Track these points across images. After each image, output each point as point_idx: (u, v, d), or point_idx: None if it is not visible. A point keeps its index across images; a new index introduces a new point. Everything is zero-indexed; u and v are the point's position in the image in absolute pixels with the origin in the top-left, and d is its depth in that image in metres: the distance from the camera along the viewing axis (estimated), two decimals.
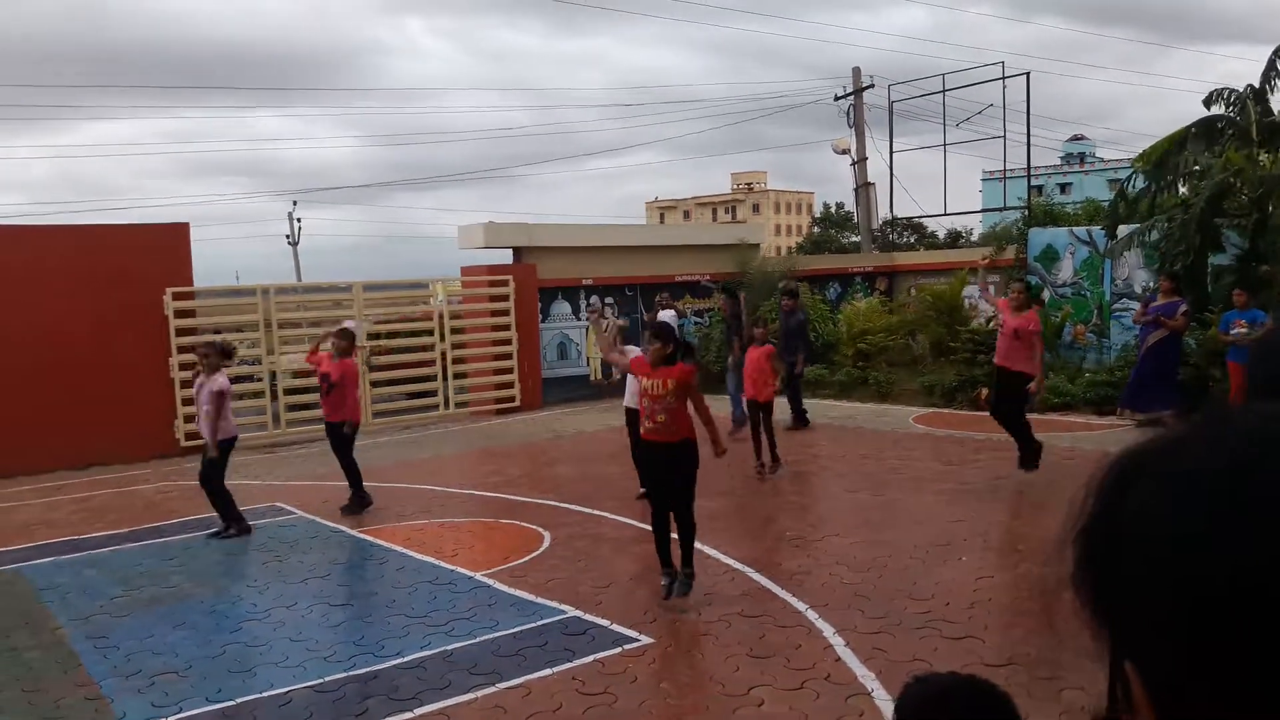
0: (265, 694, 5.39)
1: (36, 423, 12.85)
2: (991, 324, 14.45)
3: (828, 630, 5.94)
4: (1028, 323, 9.40)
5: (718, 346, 16.91)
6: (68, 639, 6.48)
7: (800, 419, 13.58)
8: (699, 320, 19.30)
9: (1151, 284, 14.38)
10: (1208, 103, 14.19)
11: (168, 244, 14.20)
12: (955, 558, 7.30)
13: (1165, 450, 0.76)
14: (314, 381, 10.80)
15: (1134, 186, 15.13)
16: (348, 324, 10.53)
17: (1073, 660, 5.30)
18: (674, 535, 6.65)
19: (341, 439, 9.69)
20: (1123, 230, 14.87)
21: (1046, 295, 16.85)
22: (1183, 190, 14.60)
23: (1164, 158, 13.94)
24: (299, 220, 50.69)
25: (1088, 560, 0.78)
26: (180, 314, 13.85)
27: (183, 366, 12.00)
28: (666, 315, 17.29)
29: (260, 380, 15.03)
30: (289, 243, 50.44)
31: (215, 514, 9.10)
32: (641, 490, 9.69)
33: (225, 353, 9.29)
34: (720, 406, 13.44)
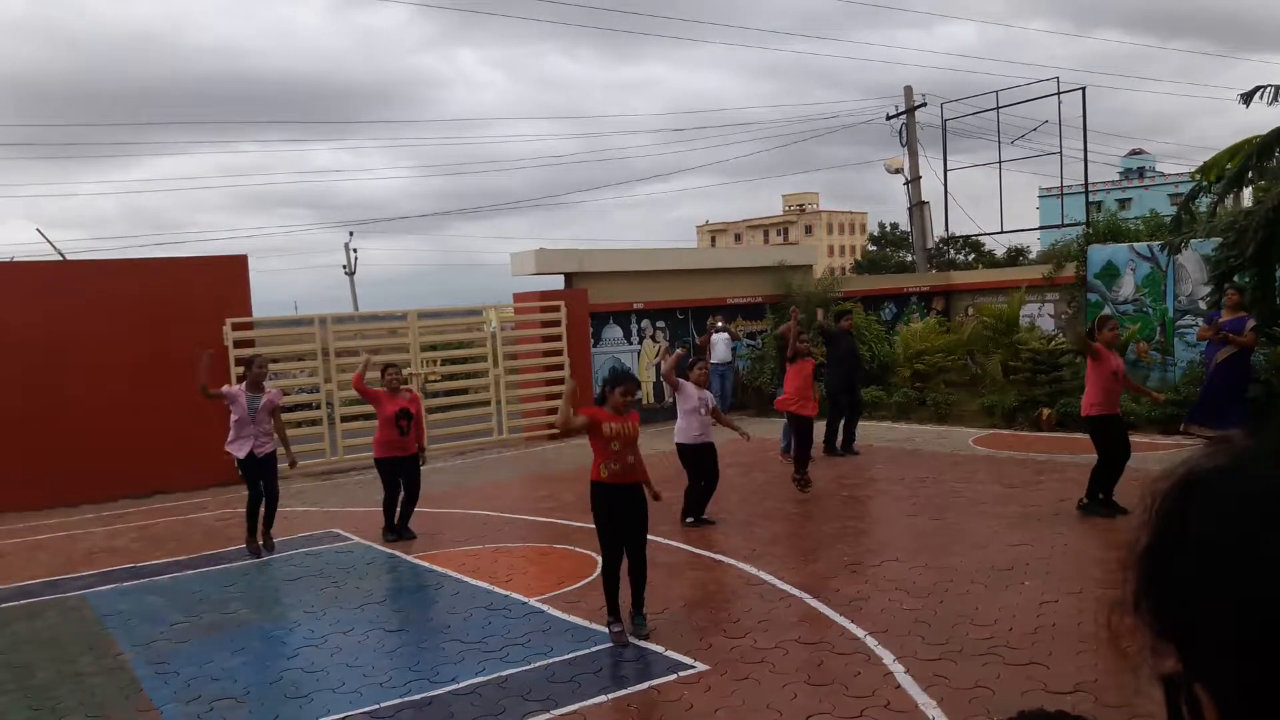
0: None
1: (101, 452, 13.13)
2: (1069, 358, 14.09)
3: (887, 657, 5.82)
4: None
5: (772, 369, 16.76)
6: (130, 664, 6.56)
7: (848, 446, 13.36)
8: (751, 342, 19.21)
9: (1204, 297, 14.01)
10: (1247, 99, 13.71)
11: (227, 276, 14.47)
12: (1018, 583, 7.14)
13: (1231, 466, 0.74)
14: (371, 409, 10.92)
15: (1198, 202, 14.79)
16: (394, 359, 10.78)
17: (1142, 687, 5.13)
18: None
19: (418, 468, 9.89)
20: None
21: (1108, 313, 16.53)
22: (1247, 202, 14.24)
23: (1240, 169, 13.49)
24: (355, 251, 51.53)
25: (1153, 579, 0.75)
26: (240, 344, 14.08)
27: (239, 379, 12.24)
28: (720, 338, 17.29)
29: (317, 408, 15.22)
30: (345, 273, 51.20)
31: (268, 538, 9.41)
32: (689, 519, 9.64)
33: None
34: (771, 429, 13.36)
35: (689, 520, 9.65)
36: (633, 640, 6.39)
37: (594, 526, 6.69)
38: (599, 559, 8.34)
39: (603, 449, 6.57)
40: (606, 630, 6.54)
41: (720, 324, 17.89)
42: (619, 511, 6.56)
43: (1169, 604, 0.73)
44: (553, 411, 16.83)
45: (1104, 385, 8.82)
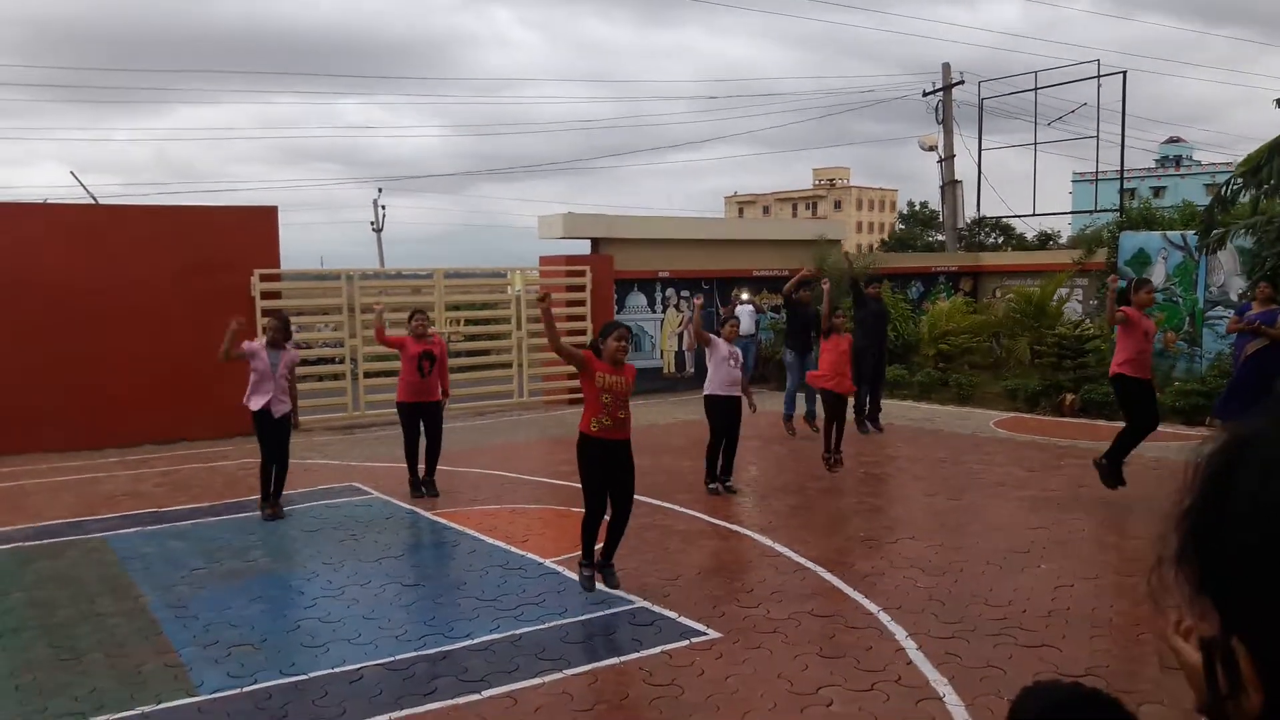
0: (337, 669, 5.47)
1: (126, 396, 13.28)
2: (1101, 333, 13.94)
3: (900, 633, 5.83)
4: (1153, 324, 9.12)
5: (783, 338, 16.69)
6: (149, 607, 6.66)
7: (875, 419, 13.37)
8: (775, 315, 19.15)
9: (1247, 292, 13.81)
10: None
11: (257, 227, 14.53)
12: (1034, 565, 7.13)
13: (1275, 428, 0.75)
14: (394, 365, 11.00)
15: (1229, 191, 14.55)
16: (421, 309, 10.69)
17: (1153, 673, 5.13)
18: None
19: (440, 416, 9.95)
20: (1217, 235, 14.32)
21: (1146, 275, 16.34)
22: None
23: (1269, 159, 13.22)
24: (384, 207, 51.62)
25: (1196, 537, 0.77)
26: (267, 295, 14.16)
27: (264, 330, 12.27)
28: (744, 310, 17.22)
29: (341, 363, 15.31)
30: (373, 229, 51.30)
31: (278, 505, 9.21)
32: (712, 484, 9.67)
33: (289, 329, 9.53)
34: (774, 403, 13.33)
35: (711, 486, 9.66)
36: (642, 604, 6.43)
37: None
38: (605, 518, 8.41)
39: (594, 400, 6.48)
40: (578, 574, 6.68)
41: (745, 296, 17.85)
42: (606, 466, 6.52)
43: (1212, 559, 0.75)
44: (574, 376, 16.83)
45: (1135, 346, 8.72)
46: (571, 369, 15.76)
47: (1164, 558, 0.78)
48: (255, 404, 9.04)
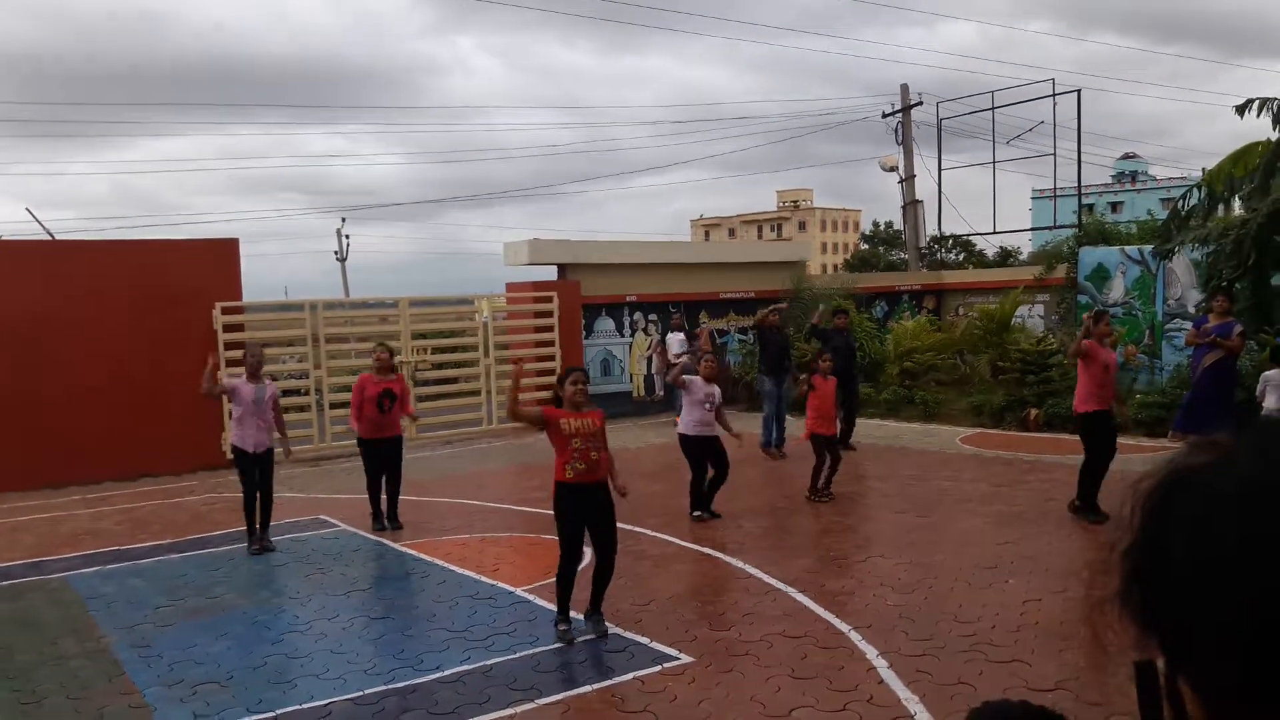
0: (305, 705, 5.40)
1: (87, 433, 13.07)
2: (1062, 359, 14.05)
3: (871, 652, 5.84)
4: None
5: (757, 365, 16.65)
6: (112, 647, 6.54)
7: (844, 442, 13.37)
8: (743, 337, 19.21)
9: (1203, 305, 14.03)
10: (1241, 110, 13.69)
11: (218, 259, 14.40)
12: (1002, 581, 7.17)
13: (1213, 462, 0.75)
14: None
15: (1187, 205, 14.81)
16: (388, 343, 10.65)
17: (1121, 686, 5.16)
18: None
19: (400, 452, 9.85)
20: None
21: (1103, 309, 16.56)
22: (1238, 209, 14.28)
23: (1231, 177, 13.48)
24: (348, 237, 51.30)
25: (1137, 574, 0.76)
26: (229, 328, 14.03)
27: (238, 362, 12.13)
28: (674, 338, 16.77)
29: (306, 394, 15.18)
30: (337, 259, 51.01)
31: (256, 528, 9.09)
32: (696, 512, 9.61)
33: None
34: (750, 424, 13.36)
35: (695, 514, 9.63)
36: (614, 630, 6.40)
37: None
38: (586, 550, 8.35)
39: (564, 447, 6.29)
40: (554, 629, 6.37)
41: (679, 321, 17.24)
42: (586, 512, 6.34)
43: (1154, 597, 0.74)
44: (543, 401, 16.71)
45: (1098, 379, 8.79)
46: (543, 395, 15.77)
47: (1104, 598, 0.77)
48: (240, 443, 8.92)
